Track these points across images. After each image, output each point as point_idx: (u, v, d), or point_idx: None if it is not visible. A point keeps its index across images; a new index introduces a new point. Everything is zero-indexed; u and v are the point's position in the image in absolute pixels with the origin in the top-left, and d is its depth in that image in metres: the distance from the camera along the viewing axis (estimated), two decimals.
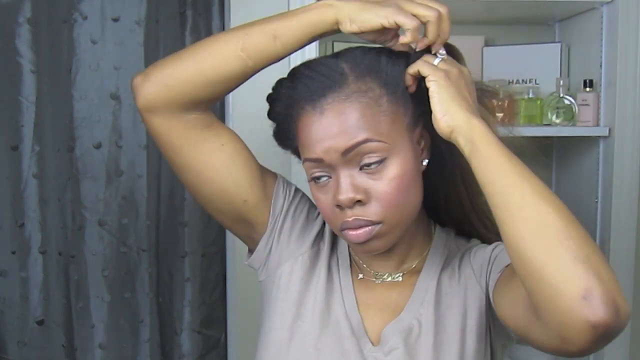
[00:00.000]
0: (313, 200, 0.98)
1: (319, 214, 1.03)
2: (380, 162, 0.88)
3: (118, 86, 1.91)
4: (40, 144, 1.88)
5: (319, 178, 0.91)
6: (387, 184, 0.88)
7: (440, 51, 0.89)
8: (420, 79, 0.88)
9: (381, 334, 0.95)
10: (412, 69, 0.88)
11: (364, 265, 1.01)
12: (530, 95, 1.94)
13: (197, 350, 2.02)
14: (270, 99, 0.96)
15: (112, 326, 1.95)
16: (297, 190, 1.04)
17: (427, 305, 0.96)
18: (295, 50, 0.91)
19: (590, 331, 0.69)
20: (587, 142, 1.92)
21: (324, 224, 1.03)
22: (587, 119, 1.86)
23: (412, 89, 0.90)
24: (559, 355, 0.77)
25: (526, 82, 2.02)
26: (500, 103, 1.84)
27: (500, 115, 1.83)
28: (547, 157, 2.12)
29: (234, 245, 1.88)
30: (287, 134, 0.95)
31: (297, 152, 0.97)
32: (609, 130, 1.83)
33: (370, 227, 0.89)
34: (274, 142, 0.99)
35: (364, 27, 0.87)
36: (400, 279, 1.00)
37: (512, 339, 0.97)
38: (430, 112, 0.85)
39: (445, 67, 0.87)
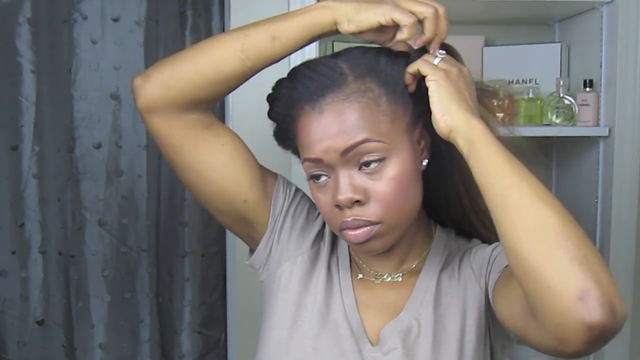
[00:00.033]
0: (313, 200, 0.98)
1: (319, 214, 1.03)
2: (379, 162, 0.88)
3: (118, 86, 1.91)
4: (40, 144, 1.88)
5: (318, 177, 0.91)
6: (386, 184, 0.88)
7: (440, 50, 0.89)
8: (421, 79, 0.88)
9: (380, 334, 0.95)
10: (412, 68, 0.89)
11: (364, 266, 1.01)
12: (530, 95, 1.94)
13: (197, 350, 2.02)
14: (270, 99, 0.96)
15: (112, 326, 1.95)
16: (297, 190, 1.04)
17: (426, 305, 0.96)
18: (294, 51, 0.91)
19: (586, 332, 0.69)
20: (587, 142, 1.92)
21: (324, 224, 1.03)
22: (587, 119, 1.86)
23: (412, 88, 0.90)
24: (556, 356, 0.77)
25: (526, 82, 2.02)
26: (500, 103, 1.84)
27: (500, 115, 1.83)
28: (547, 157, 2.12)
29: (234, 245, 1.88)
30: (287, 134, 0.95)
31: (297, 152, 0.97)
32: (609, 130, 1.83)
33: (369, 227, 0.89)
34: (274, 142, 0.99)
35: (361, 27, 0.87)
36: (400, 279, 1.00)
37: (511, 340, 0.97)
38: (430, 112, 0.85)
39: (445, 67, 0.87)
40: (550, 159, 2.14)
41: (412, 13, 0.86)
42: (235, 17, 1.77)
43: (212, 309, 2.02)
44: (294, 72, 0.93)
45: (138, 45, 1.90)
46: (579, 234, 0.73)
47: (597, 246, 1.87)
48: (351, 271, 1.01)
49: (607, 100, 1.84)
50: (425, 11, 0.86)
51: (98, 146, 1.91)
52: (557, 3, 1.87)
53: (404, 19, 0.86)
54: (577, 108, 1.86)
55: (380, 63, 0.90)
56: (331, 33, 0.90)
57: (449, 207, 1.01)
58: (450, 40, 0.92)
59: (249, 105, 1.72)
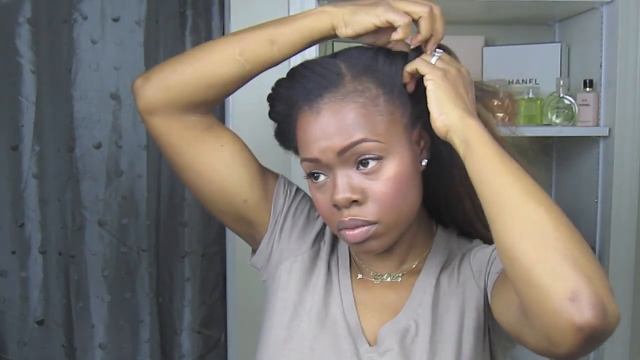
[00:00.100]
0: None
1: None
2: (377, 161, 0.88)
3: (118, 86, 1.91)
4: (40, 144, 1.88)
5: (316, 177, 0.92)
6: (384, 184, 0.88)
7: (437, 49, 0.89)
8: (419, 79, 0.88)
9: (377, 334, 0.95)
10: (410, 67, 0.89)
11: (364, 266, 1.01)
12: (530, 95, 1.94)
13: (197, 350, 2.02)
14: (270, 99, 0.97)
15: (112, 326, 1.96)
16: (298, 190, 1.04)
17: (425, 306, 0.95)
18: (292, 56, 0.92)
19: (576, 333, 0.68)
20: (587, 142, 1.92)
21: (324, 224, 1.03)
22: (587, 119, 1.86)
23: (411, 88, 0.90)
24: (549, 358, 0.76)
25: (526, 82, 2.02)
26: (500, 103, 1.84)
27: (500, 115, 1.83)
28: (547, 157, 2.11)
29: (234, 245, 1.88)
30: (287, 134, 0.95)
31: (298, 152, 0.97)
32: (609, 130, 1.83)
33: (366, 227, 0.89)
34: (274, 142, 0.99)
35: (358, 29, 0.87)
36: (400, 279, 0.99)
37: (512, 341, 0.97)
38: (429, 111, 0.85)
39: (443, 66, 0.87)
40: (550, 159, 2.14)
41: (407, 13, 0.86)
42: (235, 17, 1.77)
43: (212, 309, 2.02)
44: (293, 72, 0.93)
45: (138, 45, 1.90)
46: (572, 234, 0.72)
47: (597, 246, 1.87)
48: (351, 271, 1.01)
49: (607, 100, 1.84)
50: (420, 11, 0.87)
51: (98, 146, 1.91)
52: (557, 3, 1.87)
53: (398, 20, 0.86)
54: (577, 108, 1.86)
55: (378, 63, 0.90)
56: (330, 37, 0.90)
57: (449, 207, 1.01)
58: (450, 41, 0.92)
59: (249, 105, 1.72)
